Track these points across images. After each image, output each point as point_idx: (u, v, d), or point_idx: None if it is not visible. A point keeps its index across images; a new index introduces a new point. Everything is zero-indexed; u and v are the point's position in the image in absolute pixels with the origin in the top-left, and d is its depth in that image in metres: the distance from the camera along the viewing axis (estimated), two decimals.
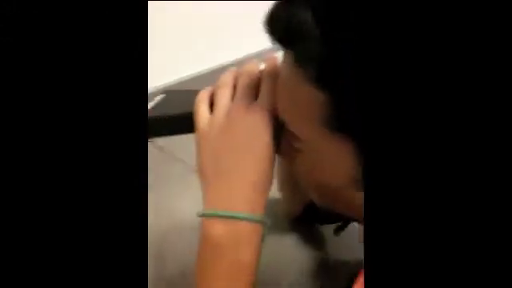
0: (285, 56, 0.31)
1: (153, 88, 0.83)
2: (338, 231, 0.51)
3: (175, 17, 0.88)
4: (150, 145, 0.72)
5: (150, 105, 0.41)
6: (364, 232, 0.23)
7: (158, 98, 0.42)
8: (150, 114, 0.39)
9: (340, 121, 0.28)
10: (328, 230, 0.54)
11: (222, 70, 1.09)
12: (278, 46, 0.29)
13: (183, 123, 0.37)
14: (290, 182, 0.47)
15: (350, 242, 0.51)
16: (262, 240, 0.35)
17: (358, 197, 0.27)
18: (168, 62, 0.84)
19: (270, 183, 0.35)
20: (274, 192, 0.44)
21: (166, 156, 0.73)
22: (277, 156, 0.35)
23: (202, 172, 0.35)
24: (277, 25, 0.28)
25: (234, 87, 0.35)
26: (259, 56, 1.25)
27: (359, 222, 0.40)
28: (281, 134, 0.34)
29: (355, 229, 0.50)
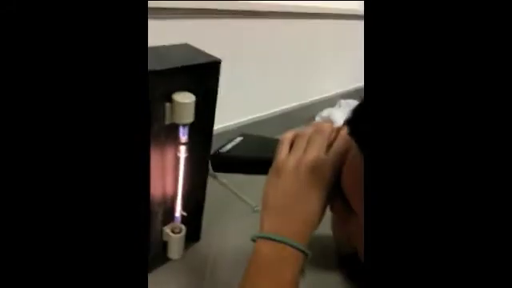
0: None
1: (232, 125, 0.94)
2: None
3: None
4: (213, 180, 0.81)
5: (230, 145, 0.50)
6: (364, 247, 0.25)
7: (237, 140, 0.51)
8: (229, 154, 0.47)
9: None
10: None
11: (286, 114, 1.14)
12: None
13: (256, 165, 0.45)
14: (341, 229, 0.51)
15: None
16: (303, 270, 0.40)
17: None
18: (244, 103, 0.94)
19: (319, 222, 0.40)
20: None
21: (229, 192, 0.80)
22: None
23: (264, 200, 0.42)
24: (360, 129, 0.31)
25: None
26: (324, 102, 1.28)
27: None
28: (337, 192, 0.39)
29: None
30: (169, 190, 0.53)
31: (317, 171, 0.39)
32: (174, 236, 0.56)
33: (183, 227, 0.57)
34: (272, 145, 0.45)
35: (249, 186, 0.78)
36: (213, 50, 0.49)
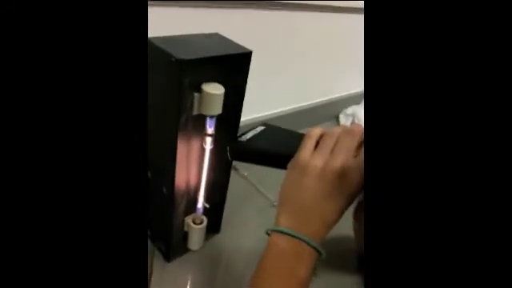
0: None
1: (254, 118, 0.93)
2: None
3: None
4: (235, 173, 0.81)
5: (251, 133, 0.48)
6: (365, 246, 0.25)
7: (258, 129, 0.49)
8: (249, 144, 0.46)
9: None
10: None
11: (309, 110, 1.12)
12: None
13: (275, 159, 0.43)
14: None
15: None
16: (315, 268, 0.39)
17: None
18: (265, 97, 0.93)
19: (336, 222, 0.39)
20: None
21: (249, 186, 0.80)
22: None
23: (283, 195, 0.41)
24: None
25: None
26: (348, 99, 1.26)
27: None
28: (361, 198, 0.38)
29: None
30: (193, 181, 0.53)
31: (344, 177, 0.37)
32: (195, 227, 0.56)
33: (205, 218, 0.57)
34: (293, 139, 0.43)
35: (269, 180, 0.77)
36: (239, 41, 0.48)
